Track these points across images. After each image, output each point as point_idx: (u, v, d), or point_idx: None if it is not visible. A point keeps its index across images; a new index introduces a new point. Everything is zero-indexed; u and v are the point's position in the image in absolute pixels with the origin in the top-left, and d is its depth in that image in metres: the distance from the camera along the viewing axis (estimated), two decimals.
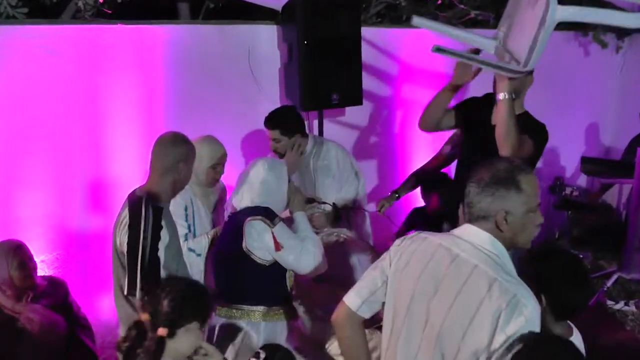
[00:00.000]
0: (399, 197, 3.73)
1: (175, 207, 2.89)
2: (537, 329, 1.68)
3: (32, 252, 3.12)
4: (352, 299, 1.98)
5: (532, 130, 2.85)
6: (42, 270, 3.43)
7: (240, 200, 2.77)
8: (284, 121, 3.39)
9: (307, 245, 2.68)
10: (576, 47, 5.53)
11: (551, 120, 3.05)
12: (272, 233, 2.62)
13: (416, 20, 2.60)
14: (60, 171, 3.56)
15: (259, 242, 2.64)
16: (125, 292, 2.36)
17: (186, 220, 3.01)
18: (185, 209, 3.02)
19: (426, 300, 1.80)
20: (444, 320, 1.76)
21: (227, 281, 2.78)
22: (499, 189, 1.77)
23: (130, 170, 3.69)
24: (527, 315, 1.66)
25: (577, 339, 2.04)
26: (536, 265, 2.02)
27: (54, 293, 3.09)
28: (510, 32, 2.65)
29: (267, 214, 2.67)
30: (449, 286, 1.76)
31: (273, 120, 3.38)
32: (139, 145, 3.74)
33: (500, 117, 2.70)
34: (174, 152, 2.49)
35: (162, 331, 2.04)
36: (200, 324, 2.12)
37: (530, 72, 2.80)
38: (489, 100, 2.90)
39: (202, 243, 3.02)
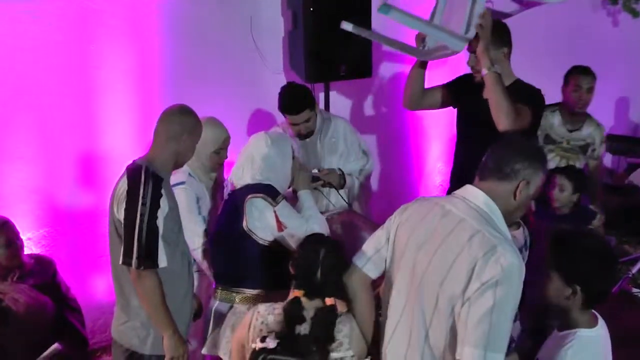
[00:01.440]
0: None
1: (188, 200, 2.87)
2: (514, 285, 1.79)
3: (19, 229, 3.13)
4: (358, 258, 2.15)
5: (525, 97, 2.91)
6: (28, 249, 3.43)
7: (241, 177, 2.72)
8: (307, 97, 3.30)
9: (312, 225, 2.64)
10: (604, 16, 5.39)
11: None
12: (275, 212, 2.59)
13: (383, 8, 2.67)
14: (48, 144, 3.53)
15: (261, 222, 2.60)
16: (121, 261, 2.35)
17: (200, 214, 2.95)
18: (197, 201, 2.95)
19: (414, 252, 1.97)
20: (426, 270, 1.92)
21: (226, 263, 2.75)
22: (535, 163, 1.95)
23: (122, 144, 3.66)
24: (504, 265, 1.77)
25: (602, 327, 2.04)
26: (566, 253, 2.00)
27: (42, 272, 3.10)
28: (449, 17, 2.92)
29: (269, 192, 2.63)
30: (436, 238, 1.93)
31: (300, 102, 3.27)
32: (132, 117, 3.69)
33: (489, 93, 2.81)
34: (181, 121, 2.49)
35: (330, 300, 2.14)
36: None
37: (506, 45, 2.98)
38: (475, 82, 3.00)
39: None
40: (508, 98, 2.76)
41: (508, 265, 1.77)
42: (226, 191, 2.86)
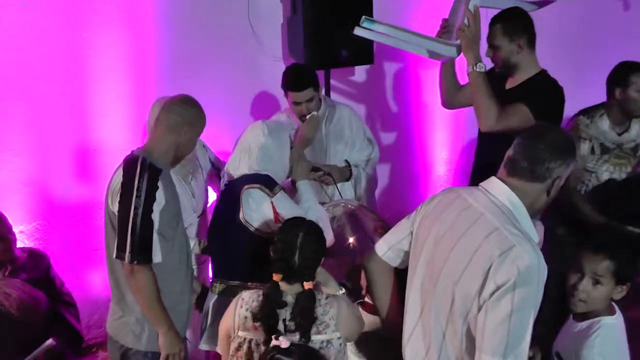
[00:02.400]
0: None
1: None
2: (533, 287, 1.71)
3: (11, 222, 3.09)
4: (379, 245, 2.15)
5: (541, 92, 2.85)
6: (21, 242, 3.41)
7: (237, 167, 2.69)
8: (312, 75, 3.28)
9: (310, 216, 2.59)
10: (613, 0, 5.35)
11: (583, 82, 2.95)
12: (272, 203, 2.55)
13: (363, 27, 2.89)
14: (41, 135, 3.50)
15: (257, 213, 2.57)
16: (114, 255, 2.32)
17: None
18: None
19: (433, 247, 1.93)
20: (442, 267, 1.88)
21: (224, 255, 2.72)
22: (568, 158, 1.89)
23: (117, 135, 3.62)
24: (521, 267, 1.70)
25: (618, 318, 2.10)
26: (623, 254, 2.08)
27: (35, 266, 3.07)
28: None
29: (266, 182, 2.60)
30: (454, 232, 1.87)
31: (304, 78, 3.24)
32: (127, 107, 3.66)
33: (471, 91, 2.91)
34: (182, 112, 2.46)
35: (308, 284, 2.17)
36: None
37: (521, 35, 2.92)
38: (499, 73, 3.03)
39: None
40: (489, 99, 2.81)
41: (526, 266, 1.70)
42: (223, 181, 2.83)
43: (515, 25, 2.91)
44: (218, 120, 3.49)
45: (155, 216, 2.32)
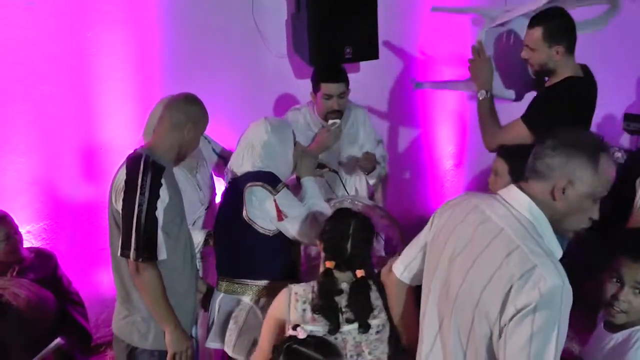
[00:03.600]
0: None
1: None
2: (556, 309, 1.58)
3: (18, 222, 3.12)
4: (397, 266, 2.09)
5: (558, 98, 2.79)
6: (28, 242, 3.44)
7: (241, 165, 2.69)
8: (345, 71, 3.34)
9: (314, 214, 2.62)
10: None
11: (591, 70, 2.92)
12: (275, 200, 2.56)
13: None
14: (47, 135, 3.51)
15: (261, 211, 2.58)
16: (119, 253, 2.33)
17: None
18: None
19: (448, 264, 1.81)
20: (460, 287, 1.75)
21: (228, 253, 2.73)
22: (576, 155, 1.68)
23: (123, 133, 3.63)
24: (542, 290, 1.57)
25: None
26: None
27: (42, 266, 3.09)
28: None
29: (269, 180, 2.60)
30: (472, 249, 1.74)
31: (341, 70, 3.32)
32: (132, 106, 3.66)
33: (479, 115, 3.04)
34: (186, 110, 2.48)
35: (360, 272, 2.20)
36: None
37: (560, 41, 2.82)
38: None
39: (197, 238, 2.92)
40: (491, 124, 2.96)
41: (548, 289, 1.57)
42: (227, 179, 2.83)
43: (557, 30, 2.77)
44: (222, 117, 3.53)
45: (160, 213, 2.33)
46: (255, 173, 2.64)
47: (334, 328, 2.14)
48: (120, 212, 2.34)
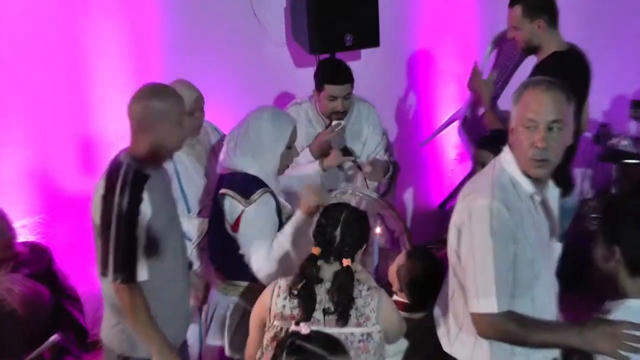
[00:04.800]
0: None
1: None
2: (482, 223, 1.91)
3: (12, 216, 3.08)
4: None
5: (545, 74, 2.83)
6: (23, 237, 3.37)
7: (227, 156, 2.58)
8: (350, 70, 3.22)
9: (271, 252, 2.48)
10: None
11: (596, 55, 2.92)
12: (242, 212, 2.46)
13: None
14: (41, 126, 3.45)
15: (232, 219, 2.50)
16: (99, 272, 2.23)
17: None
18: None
19: None
20: None
21: (219, 255, 2.69)
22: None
23: (120, 123, 3.50)
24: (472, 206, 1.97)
25: None
26: (608, 214, 1.96)
27: (37, 261, 3.04)
28: None
29: (244, 186, 2.49)
30: None
31: (346, 71, 3.19)
32: (129, 95, 3.57)
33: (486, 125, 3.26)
34: (146, 106, 2.25)
35: (347, 261, 2.14)
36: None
37: (541, 14, 2.98)
38: None
39: (194, 224, 2.87)
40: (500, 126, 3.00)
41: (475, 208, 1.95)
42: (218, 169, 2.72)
43: (536, 4, 2.90)
44: (220, 104, 3.49)
45: (141, 231, 2.18)
46: (231, 176, 2.54)
47: (306, 317, 2.05)
48: (99, 228, 2.21)
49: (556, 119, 1.92)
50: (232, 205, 2.49)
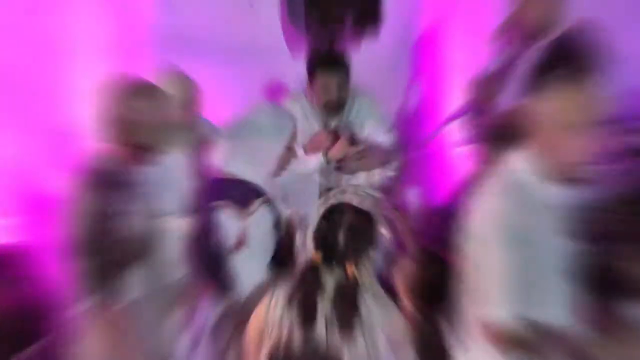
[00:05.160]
0: None
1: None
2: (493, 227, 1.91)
3: None
4: None
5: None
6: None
7: (220, 158, 2.45)
8: (345, 58, 3.03)
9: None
10: None
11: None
12: (243, 226, 2.33)
13: None
14: (21, 120, 3.31)
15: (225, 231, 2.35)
16: None
17: None
18: None
19: None
20: None
21: (208, 266, 2.52)
22: None
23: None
24: None
25: None
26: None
27: (13, 266, 2.98)
28: None
29: (241, 196, 2.36)
30: None
31: (340, 58, 3.01)
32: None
33: None
34: (123, 106, 2.21)
35: (351, 268, 2.00)
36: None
37: None
38: None
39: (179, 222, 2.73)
40: None
41: None
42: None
43: None
44: (213, 94, 3.34)
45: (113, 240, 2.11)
46: (226, 183, 2.39)
47: (306, 327, 1.94)
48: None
49: (592, 118, 1.86)
50: (226, 217, 2.34)
